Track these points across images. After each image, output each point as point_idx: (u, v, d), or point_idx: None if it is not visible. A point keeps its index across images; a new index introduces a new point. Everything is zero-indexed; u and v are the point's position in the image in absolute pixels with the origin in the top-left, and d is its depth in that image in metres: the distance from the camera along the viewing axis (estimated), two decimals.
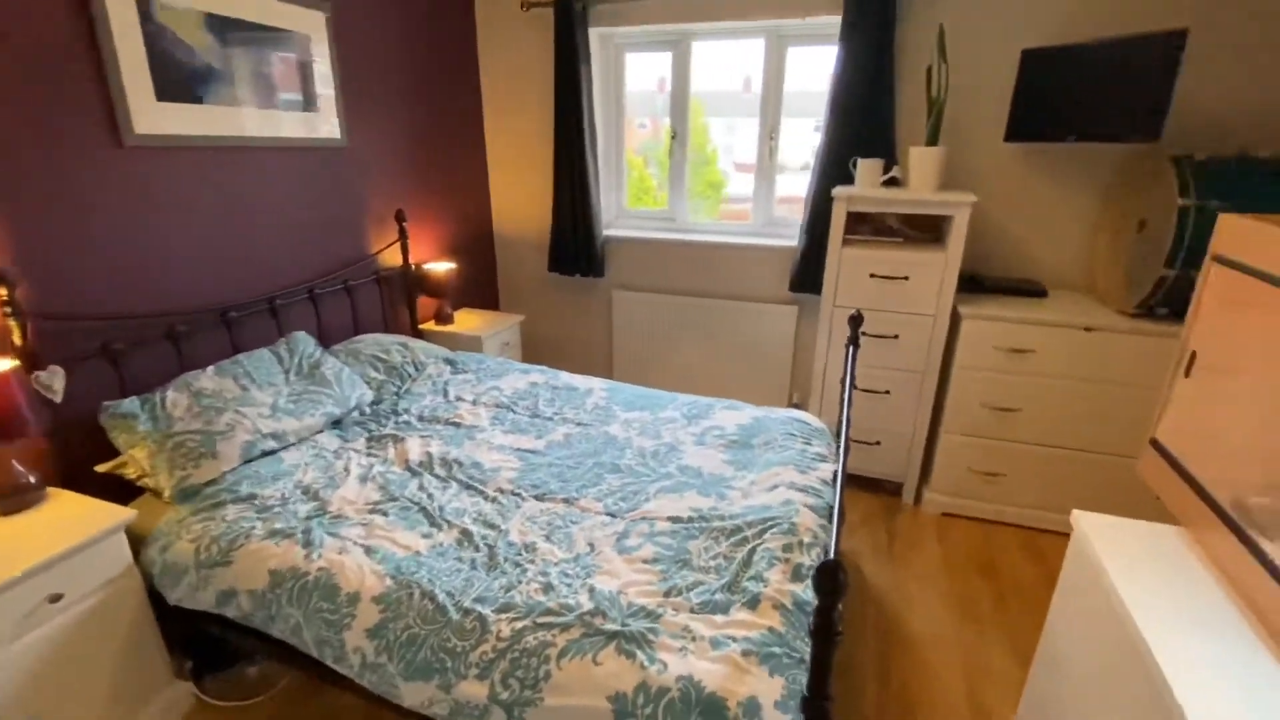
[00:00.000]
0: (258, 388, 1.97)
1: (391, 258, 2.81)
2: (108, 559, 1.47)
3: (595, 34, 3.08)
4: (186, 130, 1.91)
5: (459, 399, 2.37)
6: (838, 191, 2.46)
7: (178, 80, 1.87)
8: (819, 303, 2.94)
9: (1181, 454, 1.34)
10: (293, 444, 1.93)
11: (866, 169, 2.58)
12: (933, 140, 2.43)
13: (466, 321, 3.12)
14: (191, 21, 1.89)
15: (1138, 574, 1.22)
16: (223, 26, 1.98)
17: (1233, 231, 1.26)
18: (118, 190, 1.77)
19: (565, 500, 1.72)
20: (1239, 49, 2.20)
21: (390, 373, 2.44)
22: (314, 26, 2.29)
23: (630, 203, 3.52)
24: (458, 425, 2.17)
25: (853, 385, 2.05)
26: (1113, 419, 2.30)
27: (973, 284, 2.54)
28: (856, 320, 2.13)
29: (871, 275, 2.48)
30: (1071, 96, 2.27)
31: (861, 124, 2.66)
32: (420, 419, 2.21)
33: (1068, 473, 2.42)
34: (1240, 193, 1.99)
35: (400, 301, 2.91)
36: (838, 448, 1.67)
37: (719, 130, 3.38)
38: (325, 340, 2.48)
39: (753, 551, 1.47)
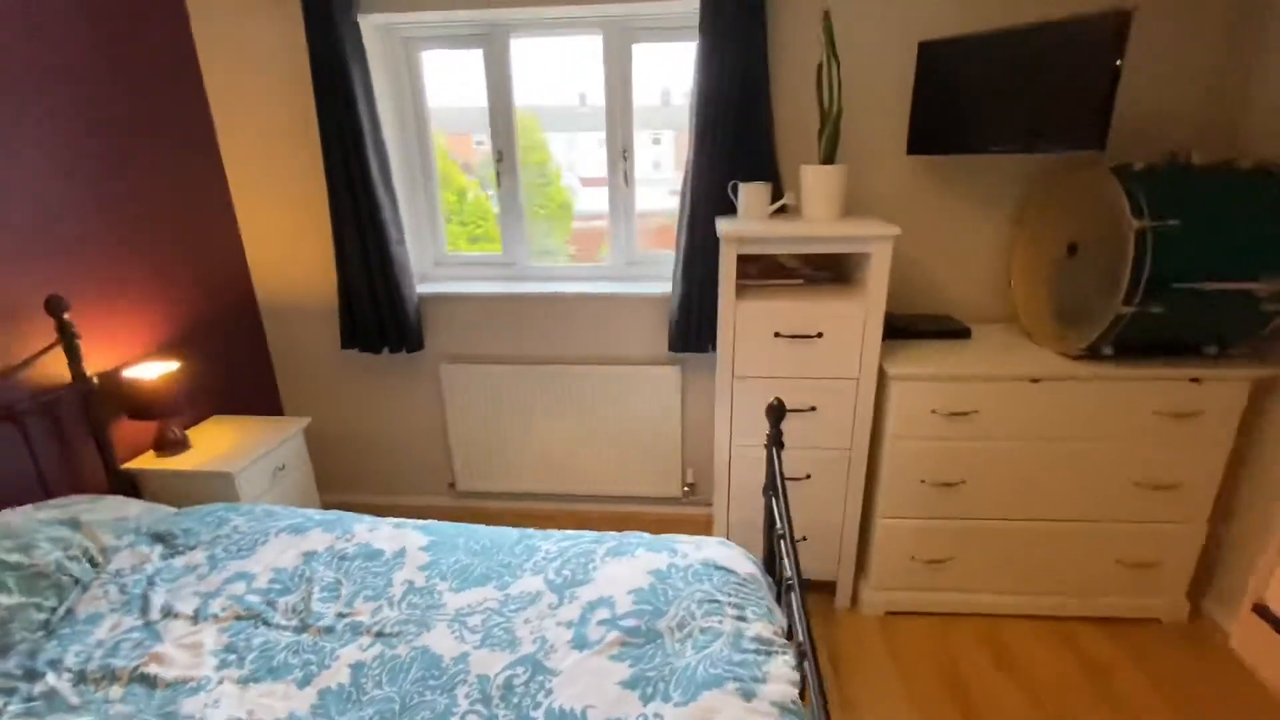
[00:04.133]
0: None
1: (56, 369, 1.75)
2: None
3: (371, 25, 2.23)
4: None
5: (169, 613, 1.41)
6: (725, 230, 1.84)
7: None
8: (707, 360, 2.32)
9: None
10: None
11: (752, 196, 2.00)
12: (829, 157, 1.91)
13: (213, 443, 2.09)
14: None
15: None
16: None
17: None
18: None
19: None
20: (1168, 39, 1.91)
21: (33, 588, 1.41)
22: None
23: (456, 245, 2.69)
24: (151, 683, 1.23)
25: (785, 505, 1.43)
26: (1073, 481, 1.91)
27: (889, 329, 2.06)
28: (778, 412, 1.51)
29: (777, 335, 1.89)
30: (987, 98, 1.85)
31: (736, 139, 2.08)
32: (79, 679, 1.24)
33: (1026, 548, 2.00)
34: (1190, 208, 1.64)
35: (81, 436, 1.84)
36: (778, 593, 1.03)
37: (559, 145, 2.67)
38: None
39: None
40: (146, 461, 1.97)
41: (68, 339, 1.73)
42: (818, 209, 1.94)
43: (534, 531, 1.68)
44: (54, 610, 1.41)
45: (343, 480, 2.85)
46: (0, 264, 1.63)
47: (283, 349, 2.65)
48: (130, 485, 1.95)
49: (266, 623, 1.39)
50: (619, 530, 1.67)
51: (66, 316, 1.72)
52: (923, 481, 1.96)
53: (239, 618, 1.40)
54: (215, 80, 2.30)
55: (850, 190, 2.05)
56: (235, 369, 2.47)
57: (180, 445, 2.04)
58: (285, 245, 2.49)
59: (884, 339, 1.89)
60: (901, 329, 2.08)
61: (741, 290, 1.93)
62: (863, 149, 2.12)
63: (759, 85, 2.04)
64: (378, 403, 2.70)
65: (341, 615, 1.40)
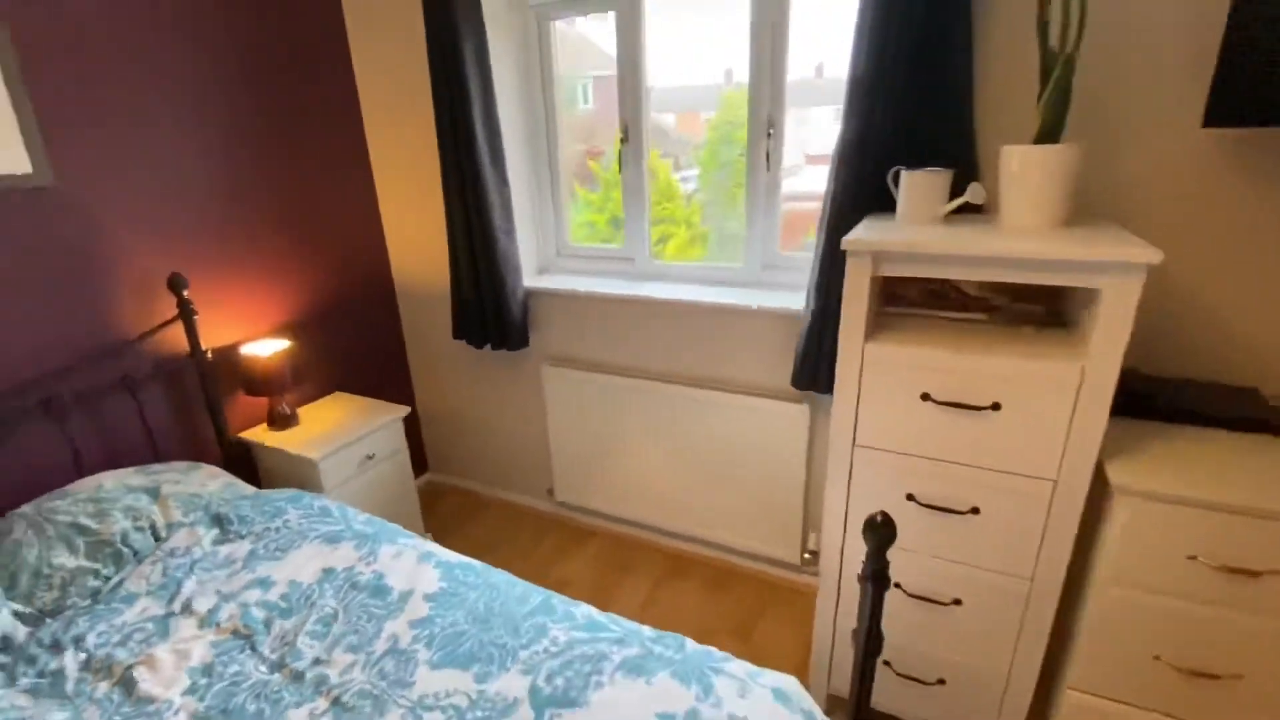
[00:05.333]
0: None
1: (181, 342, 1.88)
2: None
3: None
4: None
5: (187, 609, 1.39)
6: (855, 239, 1.29)
7: None
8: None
9: None
10: None
11: (918, 188, 1.41)
12: (1052, 132, 1.23)
13: (317, 423, 2.15)
14: None
15: None
16: None
17: None
18: None
19: None
20: None
21: (96, 554, 1.49)
22: None
23: (577, 236, 2.45)
24: (129, 690, 1.19)
25: (875, 656, 0.92)
26: None
27: (1128, 397, 1.31)
28: (880, 534, 0.98)
29: (927, 398, 1.30)
30: None
31: (909, 102, 1.47)
32: (86, 665, 1.25)
33: None
34: None
35: (198, 406, 1.97)
36: None
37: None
38: (36, 487, 1.57)
39: None
40: (257, 434, 2.08)
41: (186, 315, 1.84)
42: (1023, 212, 1.28)
43: (559, 602, 1.37)
44: (107, 580, 1.47)
45: (457, 465, 2.84)
46: (137, 241, 1.77)
47: (415, 331, 2.68)
48: (245, 455, 2.08)
49: (254, 648, 1.29)
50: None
51: (185, 294, 1.82)
52: (1157, 658, 1.22)
53: (235, 633, 1.33)
54: (363, 57, 2.32)
55: (1085, 182, 1.33)
56: (368, 349, 2.55)
57: (289, 421, 2.12)
58: (419, 228, 2.46)
59: (1114, 415, 1.18)
60: (1151, 402, 1.33)
61: (881, 322, 1.37)
62: (1114, 117, 1.37)
63: (953, 27, 1.41)
64: (486, 395, 2.61)
65: (318, 661, 1.25)
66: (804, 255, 2.00)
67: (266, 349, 2.02)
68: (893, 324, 1.41)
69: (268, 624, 1.35)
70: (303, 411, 2.21)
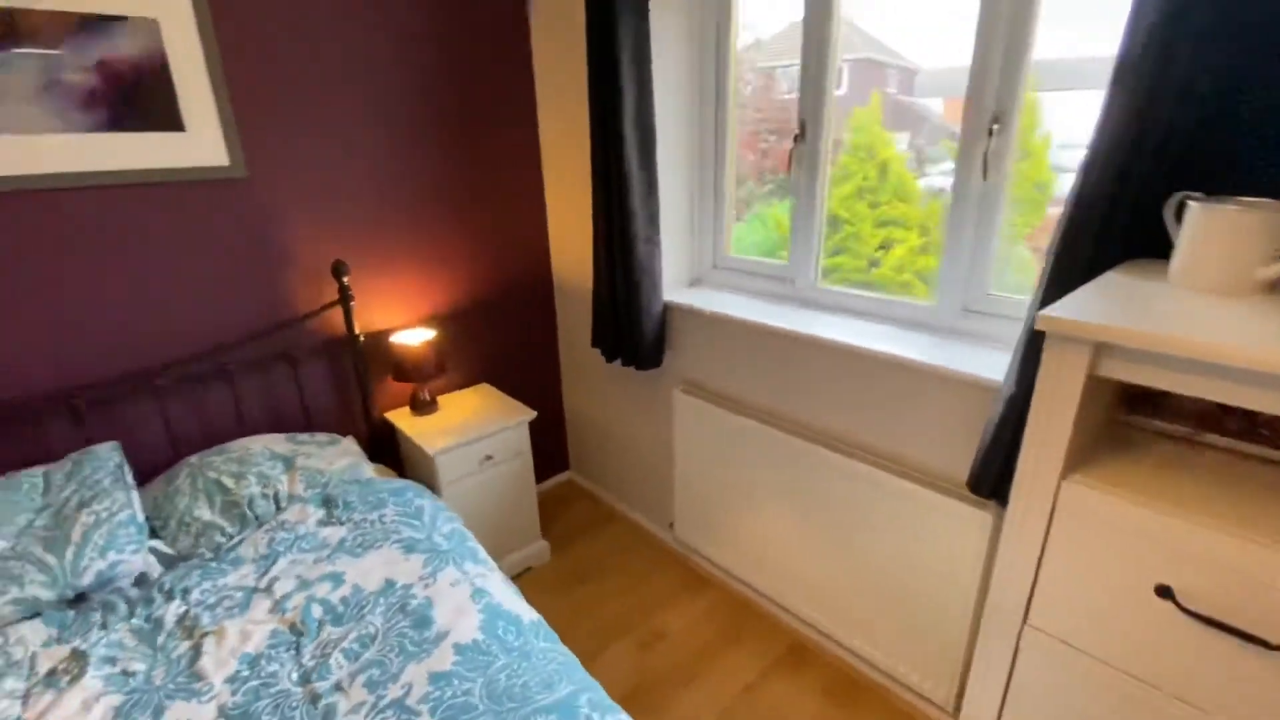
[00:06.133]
0: None
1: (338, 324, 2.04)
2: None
3: None
4: None
5: (269, 587, 1.46)
6: (1056, 320, 0.81)
7: None
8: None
9: None
10: None
11: (1220, 228, 0.86)
12: None
13: (453, 414, 2.19)
14: None
15: None
16: None
17: None
18: None
19: None
20: None
21: (225, 512, 1.65)
22: (167, 9, 1.57)
23: (747, 245, 2.14)
24: (191, 661, 1.26)
25: None
26: None
27: None
28: None
29: (1163, 594, 0.78)
30: None
31: (1216, 94, 0.90)
32: (181, 620, 1.37)
33: None
34: None
35: (350, 384, 2.12)
36: None
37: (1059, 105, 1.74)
38: (200, 441, 1.82)
39: None
40: (398, 416, 2.19)
41: (345, 300, 1.97)
42: None
43: (586, 707, 1.14)
44: (229, 539, 1.63)
45: (594, 471, 2.76)
46: (309, 229, 1.93)
47: (568, 330, 2.63)
48: (390, 433, 2.20)
49: (298, 649, 1.30)
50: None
51: (346, 280, 1.95)
52: None
53: (291, 627, 1.35)
54: (543, 49, 2.26)
55: None
56: (521, 343, 2.56)
57: (429, 408, 2.20)
58: (580, 228, 2.37)
59: None
60: None
61: (1106, 443, 0.86)
62: None
63: None
64: (621, 407, 2.45)
65: (338, 688, 1.20)
66: (1026, 300, 1.45)
67: (414, 338, 2.10)
68: (1125, 447, 0.89)
69: (319, 626, 1.35)
70: (444, 399, 2.29)
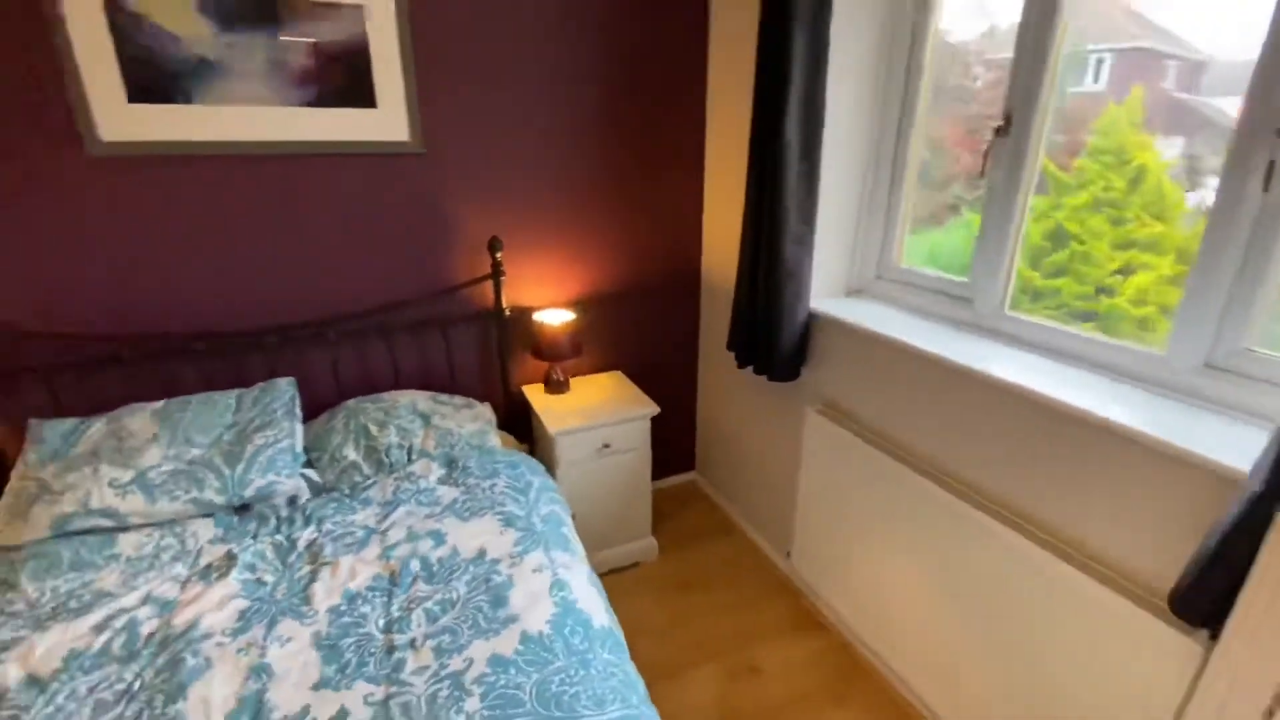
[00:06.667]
0: (163, 444, 1.63)
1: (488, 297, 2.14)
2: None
3: None
4: (165, 135, 1.64)
5: (383, 532, 1.57)
6: None
7: (157, 78, 1.60)
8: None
9: None
10: (138, 525, 1.55)
11: None
12: None
13: (580, 397, 2.21)
14: (178, 6, 1.57)
15: None
16: (225, 8, 1.61)
17: None
18: (81, 205, 1.63)
19: None
20: None
21: (366, 455, 1.82)
22: None
23: (909, 257, 1.86)
24: (308, 584, 1.40)
25: None
26: None
27: None
28: None
29: None
30: None
31: None
32: (305, 549, 1.53)
33: None
34: None
35: (492, 354, 2.22)
36: None
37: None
38: (360, 388, 2.03)
39: None
40: (531, 391, 2.26)
41: (496, 275, 2.06)
42: None
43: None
44: (365, 480, 1.79)
45: (719, 477, 2.64)
46: (471, 206, 2.04)
47: (709, 328, 2.53)
48: (524, 405, 2.29)
49: (390, 597, 1.37)
50: None
51: (499, 256, 2.04)
52: None
53: (391, 575, 1.44)
54: (721, 29, 2.15)
55: None
56: (661, 336, 2.51)
57: (560, 388, 2.24)
58: (732, 225, 2.25)
59: None
60: None
61: None
62: None
63: None
64: (751, 416, 2.29)
65: (411, 645, 1.24)
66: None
67: (555, 318, 2.14)
68: None
69: (413, 581, 1.42)
70: (576, 381, 2.32)
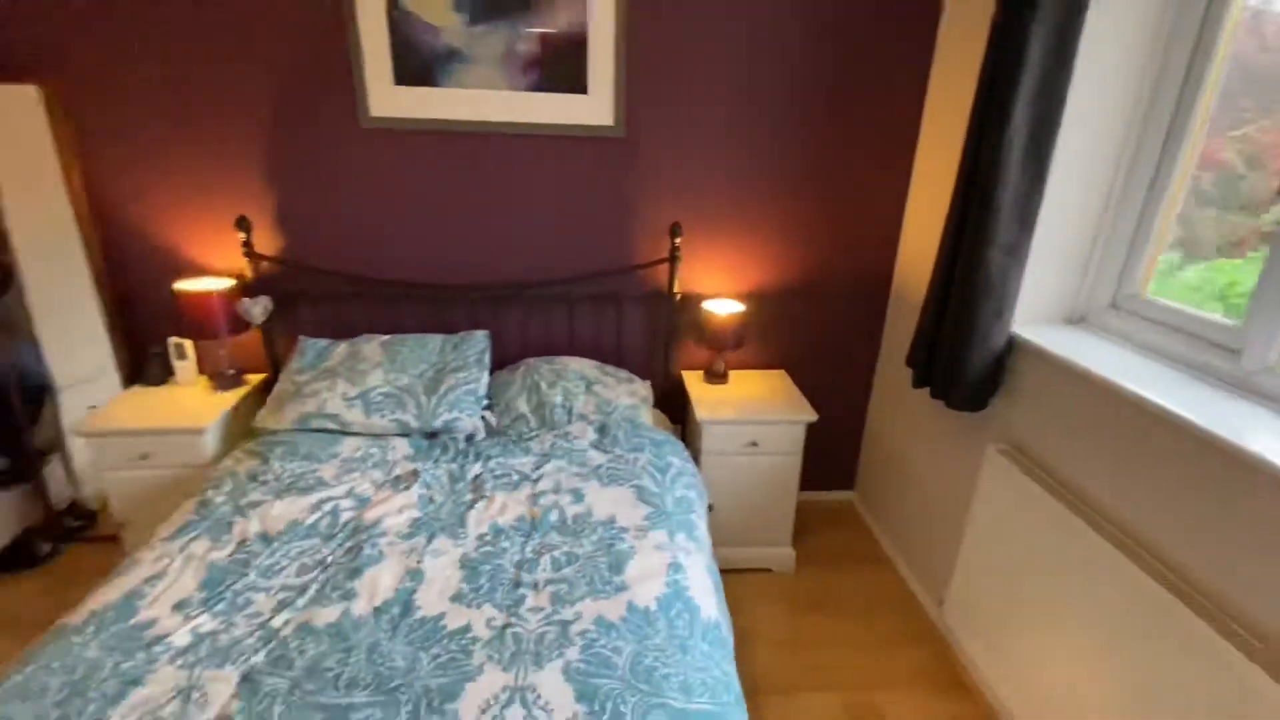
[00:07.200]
0: (385, 370, 1.97)
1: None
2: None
3: None
4: (417, 113, 1.94)
5: (536, 480, 1.73)
6: None
7: (416, 65, 1.89)
8: None
9: None
10: (357, 434, 1.88)
11: None
12: None
13: (737, 390, 2.19)
14: (439, 3, 1.84)
15: None
16: (477, 3, 1.84)
17: None
18: (350, 166, 2.00)
19: None
20: None
21: (536, 412, 2.00)
22: None
23: (1154, 287, 1.53)
24: (465, 510, 1.60)
25: None
26: None
27: None
28: None
29: None
30: None
31: None
32: (477, 476, 1.75)
33: None
34: None
35: (660, 333, 2.28)
36: None
37: None
38: (540, 349, 2.24)
39: None
40: (690, 376, 2.29)
41: (672, 259, 2.11)
42: None
43: None
44: (529, 430, 1.97)
45: (877, 502, 2.44)
46: (657, 190, 2.11)
47: (892, 340, 2.32)
48: (680, 389, 2.33)
49: (528, 539, 1.51)
50: None
51: (677, 241, 2.08)
52: None
53: (533, 520, 1.57)
54: (950, 35, 1.94)
55: None
56: (836, 342, 2.38)
57: (719, 378, 2.24)
58: (934, 231, 2.04)
59: None
60: None
61: None
62: None
63: None
64: (920, 443, 2.07)
65: (534, 586, 1.36)
66: None
67: (723, 308, 2.14)
68: None
69: (548, 530, 1.54)
70: (736, 374, 2.30)
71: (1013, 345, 1.63)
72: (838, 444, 2.52)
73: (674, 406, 2.34)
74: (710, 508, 2.07)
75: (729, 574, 2.18)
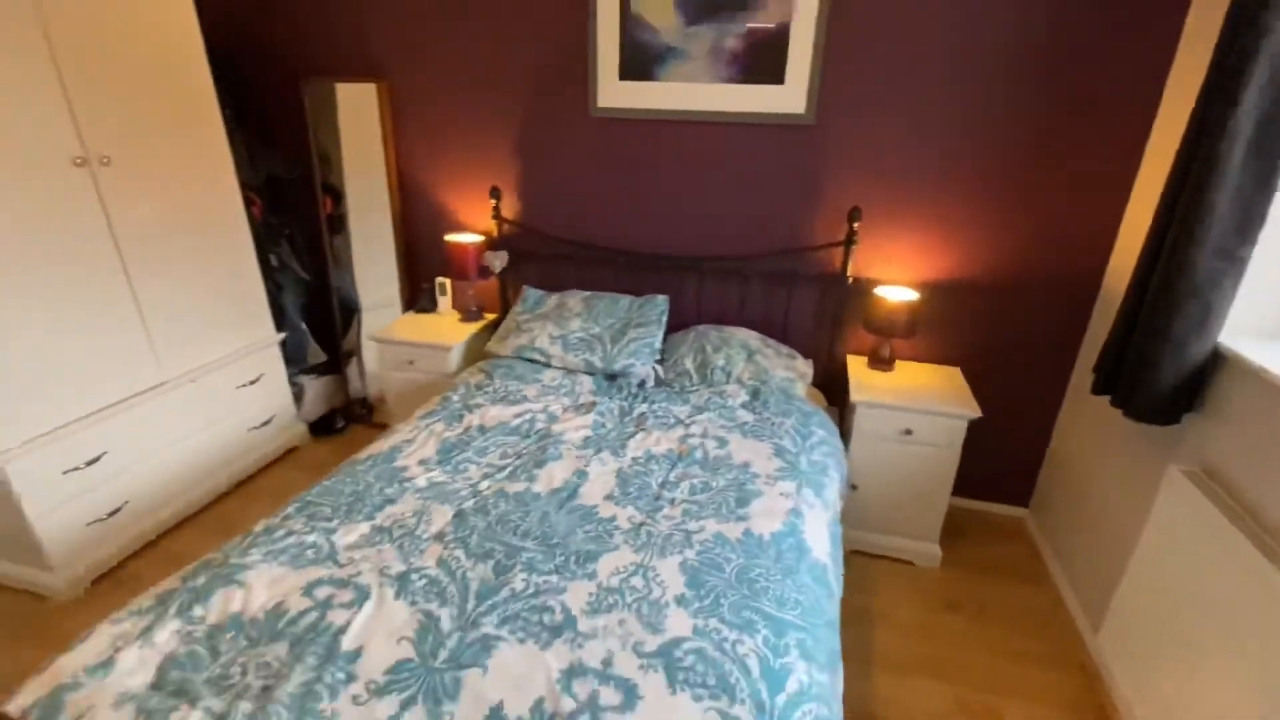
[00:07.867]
0: (582, 319, 2.36)
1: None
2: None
3: None
4: (634, 104, 2.26)
5: (688, 426, 1.97)
6: None
7: (638, 61, 2.21)
8: None
9: None
10: (555, 367, 2.30)
11: None
12: None
13: (901, 379, 2.19)
14: (662, 5, 2.12)
15: None
16: (694, 4, 2.10)
17: None
18: (576, 149, 2.40)
19: None
20: None
21: (699, 370, 2.24)
22: None
23: None
24: (625, 439, 1.91)
25: None
26: None
27: None
28: None
29: None
30: None
31: None
32: (643, 415, 2.05)
33: None
34: None
35: (831, 314, 2.36)
36: None
37: None
38: (713, 317, 2.47)
39: None
40: (854, 360, 2.33)
41: (849, 242, 2.19)
42: None
43: (811, 643, 1.20)
44: (691, 385, 2.22)
45: (1050, 524, 2.28)
46: (843, 174, 2.19)
47: (1091, 348, 2.13)
48: (842, 371, 2.39)
49: (672, 467, 1.76)
50: None
51: (856, 225, 2.15)
52: None
53: (680, 454, 1.82)
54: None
55: None
56: (1024, 344, 2.24)
57: (884, 365, 2.26)
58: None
59: None
60: None
61: None
62: None
63: None
64: (1098, 458, 1.89)
65: (671, 502, 1.61)
66: None
67: (896, 295, 2.17)
68: None
69: (690, 463, 1.78)
70: (903, 365, 2.30)
71: (1218, 356, 1.46)
72: (1015, 456, 2.38)
73: (835, 390, 2.41)
74: (853, 487, 2.14)
75: (868, 557, 2.23)
